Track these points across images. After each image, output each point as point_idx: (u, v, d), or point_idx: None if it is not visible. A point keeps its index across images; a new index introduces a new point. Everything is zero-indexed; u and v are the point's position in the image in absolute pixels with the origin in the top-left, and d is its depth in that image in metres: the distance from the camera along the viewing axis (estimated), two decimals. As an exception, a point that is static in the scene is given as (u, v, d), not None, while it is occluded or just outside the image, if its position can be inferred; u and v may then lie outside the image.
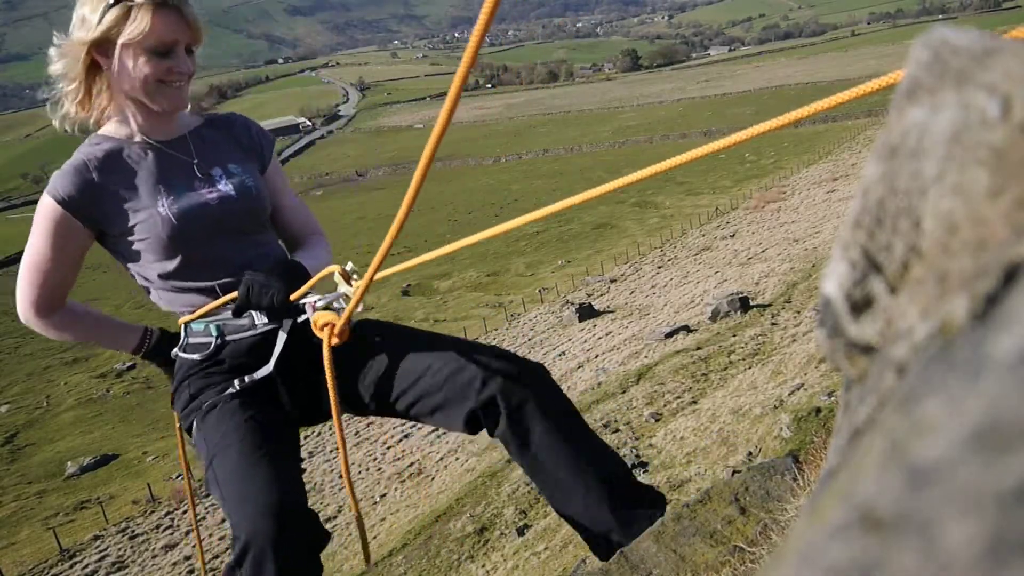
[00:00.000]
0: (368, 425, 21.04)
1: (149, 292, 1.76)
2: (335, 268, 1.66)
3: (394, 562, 8.72)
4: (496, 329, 29.92)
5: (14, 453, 27.99)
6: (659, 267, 32.95)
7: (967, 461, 0.20)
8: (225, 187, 1.71)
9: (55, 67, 1.62)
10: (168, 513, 19.45)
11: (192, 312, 1.71)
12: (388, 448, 18.40)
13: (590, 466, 1.62)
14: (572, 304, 27.92)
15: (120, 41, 1.56)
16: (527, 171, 72.91)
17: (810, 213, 33.56)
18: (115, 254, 1.72)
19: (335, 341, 1.61)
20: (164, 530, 18.40)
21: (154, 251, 1.65)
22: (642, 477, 7.71)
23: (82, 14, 1.58)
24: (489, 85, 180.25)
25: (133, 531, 18.98)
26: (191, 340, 1.73)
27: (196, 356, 1.70)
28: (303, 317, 1.70)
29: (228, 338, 1.70)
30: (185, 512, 19.14)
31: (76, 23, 1.60)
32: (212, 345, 1.69)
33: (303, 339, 1.70)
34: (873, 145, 0.37)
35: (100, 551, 18.25)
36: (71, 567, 17.79)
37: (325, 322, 1.62)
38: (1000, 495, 0.19)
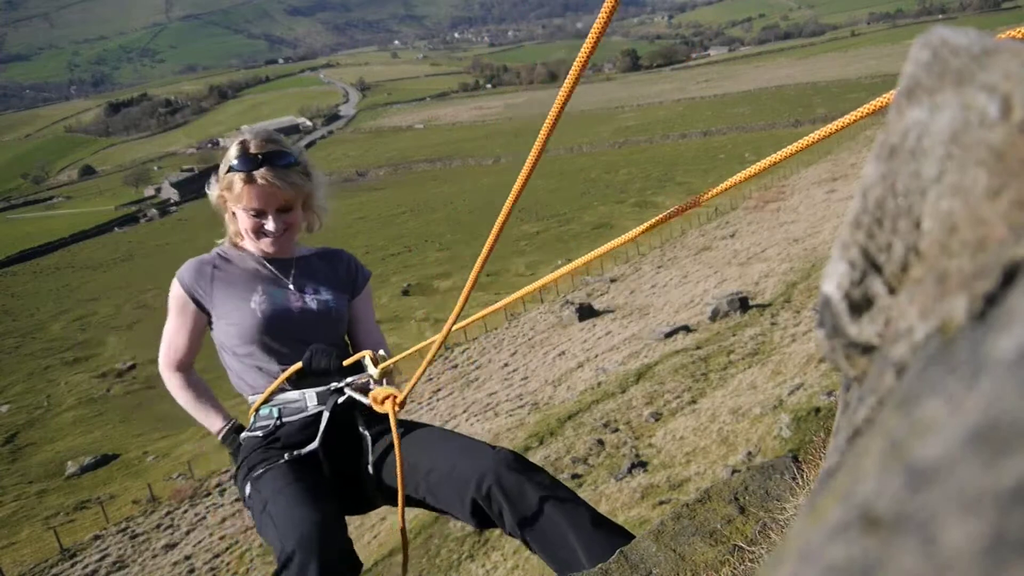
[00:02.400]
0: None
1: (228, 373, 2.11)
2: (367, 353, 1.98)
3: (394, 562, 8.71)
4: (496, 329, 29.92)
5: (15, 453, 27.98)
6: (659, 267, 32.94)
7: (967, 461, 0.20)
8: (311, 302, 2.09)
9: (214, 204, 2.09)
10: (168, 513, 19.45)
11: (260, 391, 2.05)
12: (388, 448, 18.40)
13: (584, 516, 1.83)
14: (572, 304, 27.91)
15: (231, 204, 2.03)
16: (527, 171, 72.81)
17: (810, 213, 33.55)
18: (216, 337, 2.10)
19: (397, 409, 1.91)
20: (164, 530, 18.40)
21: (240, 336, 2.01)
22: (642, 477, 7.71)
23: (221, 164, 2.04)
24: (489, 85, 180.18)
25: (133, 531, 18.97)
26: (257, 423, 2.06)
27: (259, 434, 2.02)
28: (342, 399, 2.01)
29: (285, 419, 2.02)
30: (185, 512, 19.16)
31: (220, 171, 2.05)
32: (272, 425, 2.02)
33: (345, 429, 2.03)
34: (873, 145, 0.37)
35: (100, 551, 18.24)
36: (71, 567, 17.79)
37: (386, 396, 1.91)
38: (1000, 495, 0.19)
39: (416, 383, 1.90)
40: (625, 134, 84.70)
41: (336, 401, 2.01)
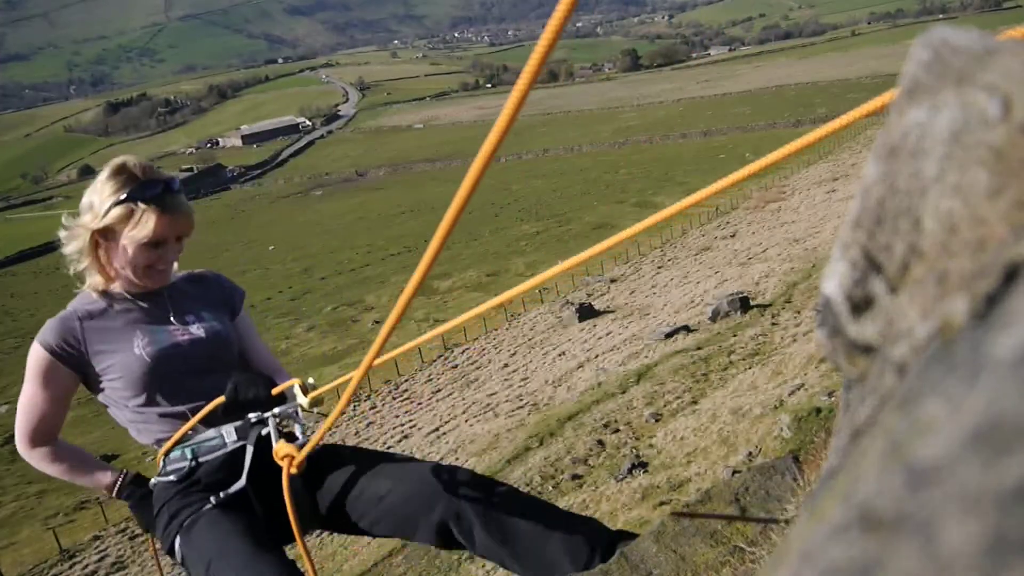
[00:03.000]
0: (368, 425, 21.08)
1: (129, 430, 1.93)
2: (296, 381, 1.78)
3: (394, 562, 8.72)
4: (496, 329, 29.93)
5: (14, 453, 27.92)
6: (659, 267, 32.95)
7: (967, 461, 0.20)
8: (196, 330, 1.91)
9: (67, 249, 1.84)
10: (168, 513, 19.47)
11: (168, 437, 1.85)
12: (388, 448, 18.40)
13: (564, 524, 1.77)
14: (572, 304, 27.92)
15: (121, 239, 1.78)
16: (527, 171, 72.88)
17: (810, 213, 33.56)
18: (97, 394, 1.91)
19: (293, 471, 1.72)
20: (164, 530, 18.41)
21: (130, 387, 1.83)
22: (642, 477, 7.71)
23: (91, 200, 1.81)
24: (489, 85, 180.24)
25: (133, 531, 18.96)
26: (167, 467, 1.87)
27: (172, 478, 1.84)
28: (266, 430, 1.82)
29: (202, 459, 1.84)
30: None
31: (85, 206, 1.82)
32: (187, 467, 1.83)
33: (269, 455, 1.81)
34: (873, 145, 0.37)
35: (100, 551, 18.25)
36: (71, 567, 17.79)
37: (285, 453, 1.73)
38: (1000, 495, 0.19)
39: (322, 437, 1.70)
40: (625, 134, 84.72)
41: (259, 433, 1.83)
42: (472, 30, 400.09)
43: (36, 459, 1.93)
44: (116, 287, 1.89)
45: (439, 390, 23.39)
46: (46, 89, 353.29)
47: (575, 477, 9.07)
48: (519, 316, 31.05)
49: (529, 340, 26.25)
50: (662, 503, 6.29)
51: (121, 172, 1.79)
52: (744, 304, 16.80)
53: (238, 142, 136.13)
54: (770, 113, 79.12)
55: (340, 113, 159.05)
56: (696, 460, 7.28)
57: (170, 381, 1.85)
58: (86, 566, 17.54)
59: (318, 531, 1.85)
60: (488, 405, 19.03)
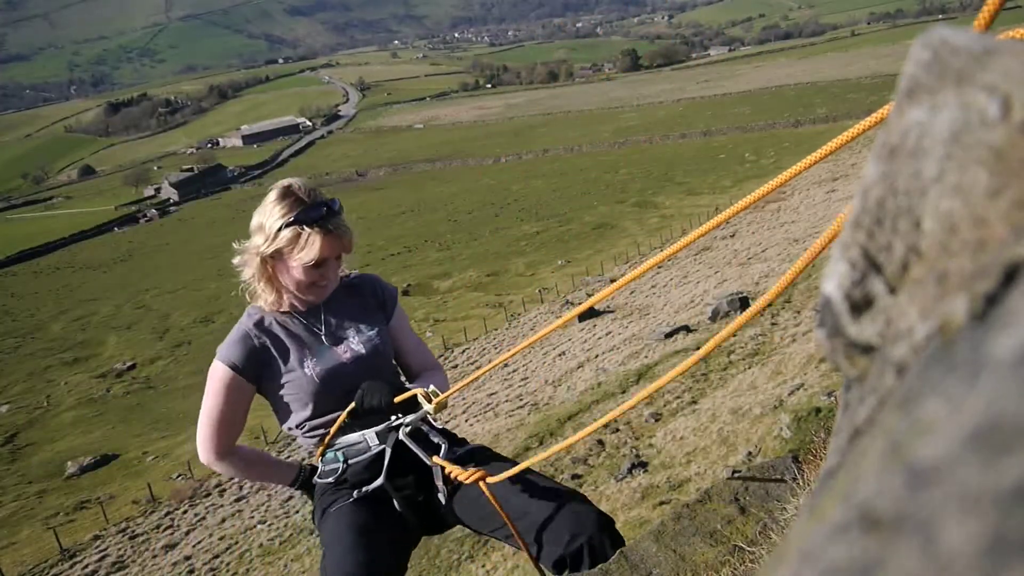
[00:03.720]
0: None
1: (295, 438, 2.12)
2: (419, 391, 1.97)
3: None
4: (496, 329, 29.92)
5: (14, 453, 27.98)
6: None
7: (967, 461, 0.20)
8: (357, 347, 2.06)
9: (244, 274, 2.01)
10: (168, 513, 19.45)
11: (321, 441, 2.06)
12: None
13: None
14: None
15: (288, 260, 1.93)
16: (527, 171, 72.85)
17: (810, 213, 33.54)
18: (271, 404, 2.08)
19: (490, 479, 1.90)
20: (164, 530, 18.40)
21: (299, 403, 2.02)
22: (642, 477, 7.71)
23: (261, 222, 1.95)
24: (489, 85, 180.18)
25: (133, 531, 18.97)
26: (325, 468, 2.07)
27: (330, 480, 2.05)
28: (401, 436, 2.02)
29: (351, 461, 2.04)
30: (185, 512, 19.16)
31: (255, 227, 1.96)
32: (340, 468, 2.04)
33: (409, 458, 2.03)
34: (873, 145, 0.37)
35: (100, 551, 18.24)
36: (71, 567, 17.78)
37: (476, 477, 1.90)
38: (1000, 495, 0.19)
39: (459, 390, 1.95)
40: (625, 134, 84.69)
41: (396, 437, 2.02)
42: (472, 30, 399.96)
43: (224, 468, 2.09)
44: (285, 304, 2.04)
45: (439, 390, 23.38)
46: (46, 89, 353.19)
47: (575, 477, 9.06)
48: (519, 316, 31.05)
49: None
50: (662, 503, 6.29)
51: (288, 195, 1.92)
52: (744, 304, 16.79)
53: (238, 142, 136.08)
54: (770, 113, 79.08)
55: (340, 113, 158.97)
56: (696, 460, 7.28)
57: (335, 396, 2.01)
58: (86, 566, 17.53)
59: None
60: (488, 405, 19.03)
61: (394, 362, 2.22)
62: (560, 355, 22.25)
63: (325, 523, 1.97)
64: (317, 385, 1.98)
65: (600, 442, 10.08)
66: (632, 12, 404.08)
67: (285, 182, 1.97)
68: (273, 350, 2.00)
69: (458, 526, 2.14)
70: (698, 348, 12.65)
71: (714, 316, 16.92)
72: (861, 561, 0.21)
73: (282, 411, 2.06)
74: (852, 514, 0.22)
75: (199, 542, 16.85)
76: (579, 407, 12.61)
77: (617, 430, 10.35)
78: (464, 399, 21.01)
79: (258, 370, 1.99)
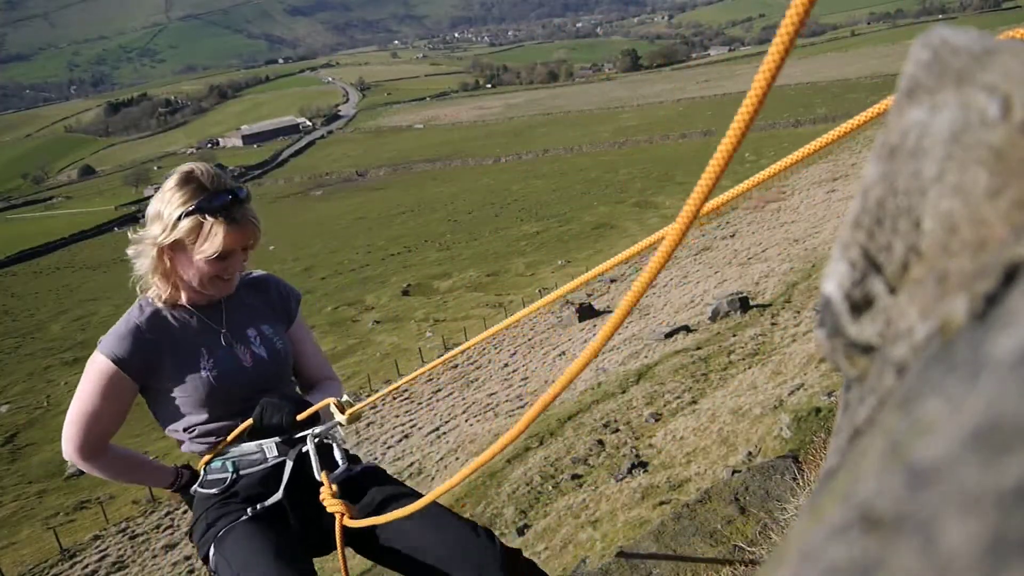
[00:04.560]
0: (368, 425, 21.07)
1: (176, 438, 1.94)
2: (331, 400, 1.82)
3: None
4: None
5: (14, 453, 27.98)
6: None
7: (967, 461, 0.20)
8: (259, 350, 1.91)
9: (137, 265, 1.86)
10: (168, 513, 19.45)
11: (211, 449, 1.89)
12: (388, 448, 18.41)
13: None
14: (572, 304, 27.91)
15: (188, 252, 1.76)
16: (527, 171, 72.86)
17: (810, 213, 33.55)
18: (152, 403, 1.90)
19: (347, 523, 1.75)
20: (164, 530, 18.40)
21: (192, 407, 1.84)
22: (642, 477, 7.71)
23: (158, 210, 1.78)
24: (489, 85, 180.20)
25: (133, 531, 18.97)
26: (208, 477, 1.91)
27: (213, 491, 1.87)
28: (306, 448, 1.87)
29: (242, 472, 1.87)
30: (185, 512, 19.15)
31: (152, 215, 1.79)
32: (228, 479, 1.86)
33: (308, 472, 1.87)
34: (873, 145, 0.37)
35: (100, 551, 18.25)
36: (71, 567, 17.79)
37: (338, 511, 1.77)
38: (1000, 495, 0.19)
39: (373, 401, 1.83)
40: (625, 134, 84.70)
41: (300, 450, 1.87)
42: (472, 30, 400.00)
43: (91, 468, 1.90)
44: (182, 298, 1.88)
45: (439, 390, 23.40)
46: (46, 89, 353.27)
47: (575, 477, 9.06)
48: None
49: (529, 340, 26.26)
50: (662, 503, 6.29)
51: (188, 181, 1.77)
52: (744, 304, 16.79)
53: (238, 142, 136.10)
54: (770, 113, 79.05)
55: (340, 113, 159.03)
56: (696, 460, 7.28)
57: (230, 402, 1.86)
58: (86, 566, 17.54)
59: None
60: (488, 405, 19.04)
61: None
62: (560, 355, 22.25)
63: (223, 547, 1.76)
64: (213, 388, 1.82)
65: (600, 442, 10.08)
66: (632, 12, 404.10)
67: (187, 167, 1.82)
68: (165, 347, 1.82)
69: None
70: (698, 348, 12.66)
71: (714, 316, 16.92)
72: (861, 561, 0.21)
73: (168, 413, 1.88)
74: (852, 514, 0.22)
75: (199, 542, 16.85)
76: (579, 407, 12.61)
77: (617, 430, 10.35)
78: (464, 399, 21.02)
79: (145, 368, 1.81)
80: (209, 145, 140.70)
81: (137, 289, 1.92)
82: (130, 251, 1.86)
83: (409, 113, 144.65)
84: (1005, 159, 0.29)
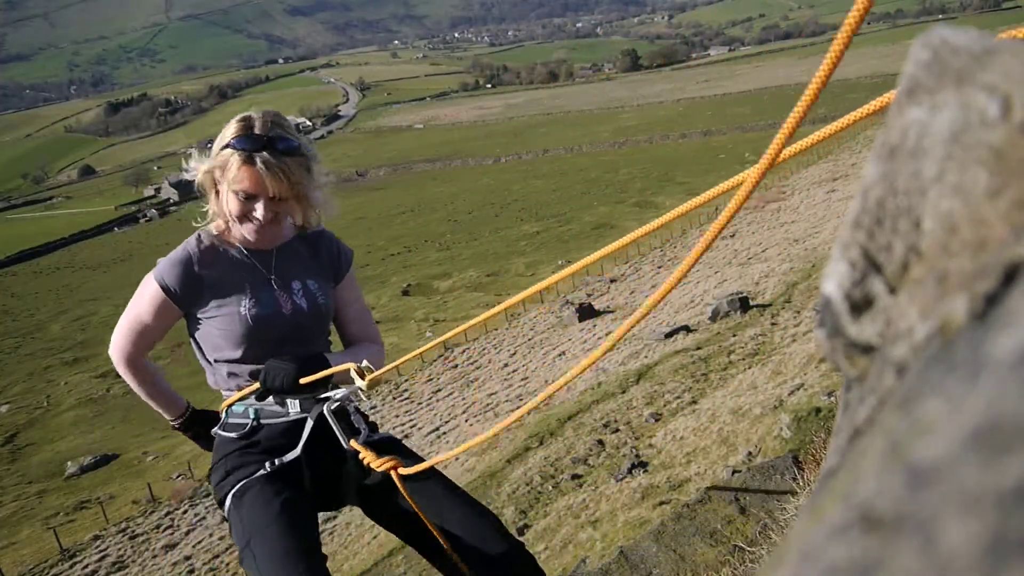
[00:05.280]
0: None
1: (206, 370, 2.03)
2: (351, 365, 1.84)
3: (394, 562, 8.72)
4: (496, 329, 29.91)
5: (14, 453, 27.98)
6: (659, 267, 32.96)
7: (967, 461, 0.20)
8: (300, 300, 1.99)
9: (197, 180, 1.94)
10: (168, 513, 19.45)
11: (234, 390, 1.98)
12: (388, 448, 18.39)
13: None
14: (572, 304, 27.91)
15: (220, 183, 1.88)
16: (527, 171, 72.86)
17: (810, 213, 33.55)
18: (192, 329, 2.00)
19: (403, 470, 1.84)
20: (164, 530, 18.40)
21: (227, 341, 1.93)
22: (642, 477, 7.71)
23: (217, 140, 1.90)
24: (489, 85, 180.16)
25: (133, 531, 18.97)
26: (230, 420, 1.99)
27: (233, 435, 1.95)
28: (326, 412, 1.93)
29: (264, 421, 1.95)
30: (185, 512, 19.16)
31: (213, 148, 1.90)
32: (248, 426, 1.94)
33: (326, 432, 1.94)
34: (873, 145, 0.37)
35: (100, 551, 18.24)
36: (71, 567, 17.79)
37: (390, 465, 1.84)
38: (1000, 495, 0.19)
39: (396, 367, 1.86)
40: (625, 134, 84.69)
41: (320, 411, 1.93)
42: (472, 30, 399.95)
43: (126, 374, 2.06)
44: (234, 235, 1.97)
45: (439, 390, 23.40)
46: (46, 89, 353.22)
47: (575, 477, 9.06)
48: (519, 316, 31.04)
49: (529, 340, 26.25)
50: (662, 503, 6.28)
51: (240, 122, 1.87)
52: (744, 304, 16.78)
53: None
54: (770, 113, 79.05)
55: (340, 113, 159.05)
56: (696, 460, 7.28)
57: (265, 344, 1.93)
58: (86, 566, 17.53)
59: (333, 516, 2.05)
60: (488, 405, 19.03)
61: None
62: (560, 355, 22.25)
63: (240, 504, 1.84)
64: (250, 327, 1.90)
65: (600, 442, 10.08)
66: (632, 12, 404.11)
67: (253, 111, 1.91)
68: (212, 280, 1.93)
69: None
70: (698, 348, 12.61)
71: (714, 316, 16.92)
72: (861, 561, 0.20)
73: (206, 342, 1.97)
74: (852, 514, 0.22)
75: (199, 542, 16.84)
76: (579, 407, 12.61)
77: (617, 430, 10.35)
78: (464, 399, 21.01)
79: (190, 298, 1.93)
80: (209, 145, 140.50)
81: (198, 219, 2.03)
82: (189, 166, 1.95)
83: (409, 113, 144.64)
84: (1005, 159, 0.29)
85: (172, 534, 17.98)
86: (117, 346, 2.02)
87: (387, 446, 1.98)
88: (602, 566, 1.68)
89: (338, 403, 1.92)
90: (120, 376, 2.10)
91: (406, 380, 26.35)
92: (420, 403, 22.50)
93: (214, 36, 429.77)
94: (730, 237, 34.13)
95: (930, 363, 0.27)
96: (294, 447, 1.91)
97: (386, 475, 1.87)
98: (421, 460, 1.98)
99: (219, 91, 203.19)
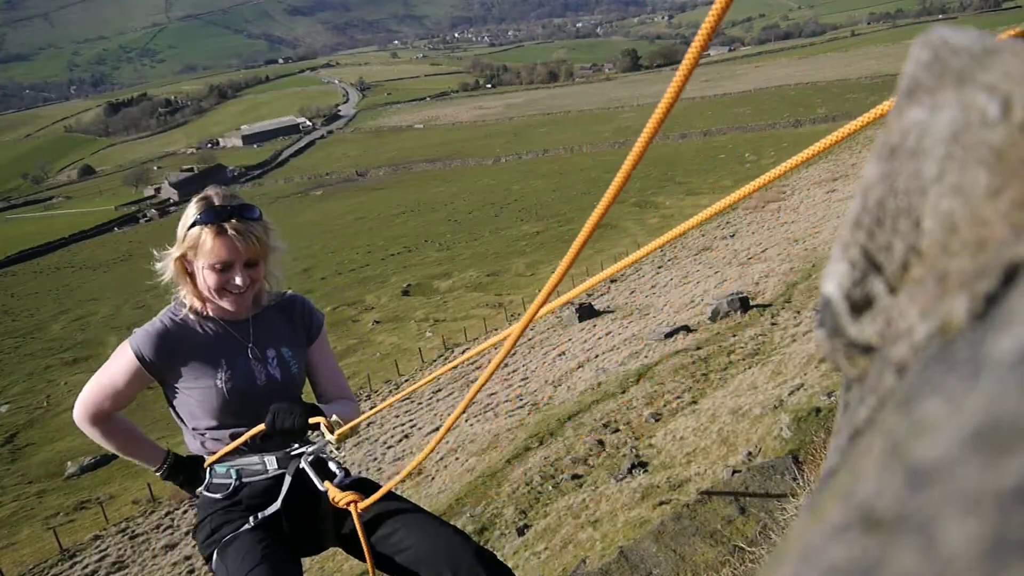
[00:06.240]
0: (368, 425, 21.07)
1: (184, 432, 2.12)
2: (321, 419, 1.95)
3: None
4: (496, 329, 29.91)
5: (14, 453, 27.98)
6: (659, 267, 32.96)
7: (967, 461, 0.20)
8: (274, 371, 2.07)
9: (165, 277, 2.03)
10: (168, 513, 19.45)
11: (214, 453, 2.07)
12: (388, 448, 18.41)
13: None
14: (572, 304, 27.92)
15: (195, 262, 1.96)
16: (527, 171, 72.86)
17: (810, 213, 33.55)
18: (171, 397, 2.08)
19: (361, 508, 1.96)
20: (164, 530, 18.40)
21: (204, 411, 2.02)
22: (642, 477, 7.71)
23: (179, 227, 1.99)
24: (489, 85, 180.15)
25: (133, 531, 18.97)
26: (214, 480, 2.09)
27: (218, 495, 2.06)
28: (303, 464, 2.06)
29: (245, 480, 2.06)
30: (185, 512, 19.16)
31: (178, 235, 1.99)
32: (231, 486, 2.05)
33: (303, 484, 2.06)
34: (873, 145, 0.37)
35: (100, 551, 18.24)
36: (71, 567, 17.78)
37: (348, 500, 1.97)
38: (1000, 495, 0.19)
39: (367, 418, 2.01)
40: (625, 134, 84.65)
41: (297, 466, 2.05)
42: (472, 30, 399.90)
43: (92, 432, 2.10)
44: (209, 309, 2.05)
45: (439, 390, 23.39)
46: (46, 89, 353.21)
47: (575, 477, 9.06)
48: (519, 316, 31.02)
49: (529, 340, 26.24)
50: (662, 503, 6.28)
51: (201, 200, 1.97)
52: (744, 304, 16.79)
53: (238, 142, 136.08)
54: (770, 113, 79.07)
55: (340, 113, 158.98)
56: (696, 460, 7.28)
57: (240, 414, 2.03)
58: (86, 566, 17.53)
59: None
60: (488, 405, 19.03)
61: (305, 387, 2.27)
62: (560, 355, 22.26)
63: (225, 555, 1.96)
64: (226, 400, 1.99)
65: (600, 442, 10.09)
66: (632, 12, 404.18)
67: (208, 190, 2.01)
68: (187, 352, 2.00)
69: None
70: (698, 348, 12.61)
71: (714, 316, 16.92)
72: (861, 561, 0.20)
73: (184, 411, 2.06)
74: (852, 514, 0.22)
75: (199, 542, 16.83)
76: (579, 407, 12.62)
77: (617, 430, 10.35)
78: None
79: (165, 369, 2.00)
80: (209, 145, 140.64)
81: (174, 294, 2.10)
82: (157, 266, 2.03)
83: (409, 113, 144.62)
84: (1005, 159, 0.29)
85: (172, 534, 17.97)
86: (83, 406, 2.05)
87: (356, 485, 2.09)
88: (602, 566, 1.68)
89: (312, 455, 2.04)
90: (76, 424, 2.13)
91: (406, 380, 26.35)
92: (420, 403, 22.50)
93: (214, 36, 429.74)
94: (730, 237, 34.15)
95: (930, 363, 0.27)
96: (273, 502, 2.03)
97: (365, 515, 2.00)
98: (388, 494, 2.10)
99: (219, 91, 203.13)
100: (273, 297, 2.16)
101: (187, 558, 16.11)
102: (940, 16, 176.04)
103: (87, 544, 18.91)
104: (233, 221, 1.91)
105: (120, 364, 2.01)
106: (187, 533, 17.72)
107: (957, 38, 0.35)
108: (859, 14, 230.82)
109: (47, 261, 69.85)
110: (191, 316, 2.04)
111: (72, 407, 2.13)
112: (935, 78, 0.34)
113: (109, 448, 2.15)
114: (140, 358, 1.98)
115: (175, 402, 2.06)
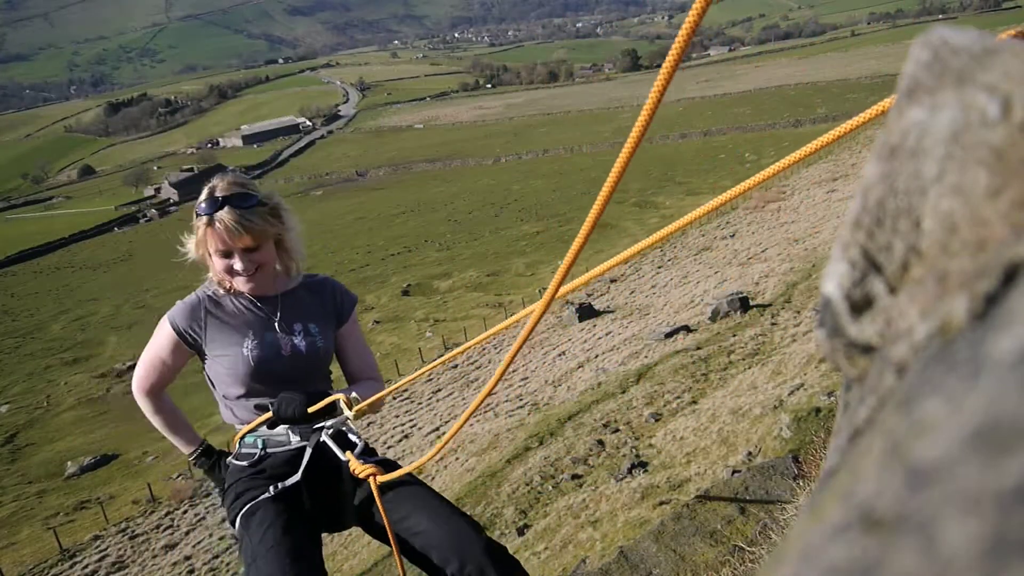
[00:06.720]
0: (368, 425, 21.07)
1: (220, 404, 2.26)
2: (340, 396, 2.06)
3: (392, 563, 8.72)
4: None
5: (14, 453, 27.97)
6: (659, 267, 32.94)
7: (967, 461, 0.20)
8: (299, 343, 2.18)
9: (191, 258, 2.16)
10: (168, 513, 19.44)
11: (244, 423, 2.21)
12: (388, 448, 18.40)
13: None
14: (572, 304, 27.90)
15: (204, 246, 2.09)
16: (527, 171, 72.85)
17: (810, 213, 33.54)
18: (206, 368, 2.21)
19: (382, 479, 2.04)
20: (164, 530, 18.39)
21: (232, 379, 2.15)
22: (642, 477, 7.71)
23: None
24: (489, 85, 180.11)
25: (133, 531, 18.97)
26: (242, 450, 2.22)
27: (244, 463, 2.19)
28: (324, 437, 2.16)
29: (270, 450, 2.18)
30: (185, 512, 19.16)
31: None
32: (257, 455, 2.18)
33: (325, 459, 2.17)
34: (873, 145, 0.37)
35: (100, 551, 18.24)
36: (71, 567, 17.78)
37: (369, 472, 2.05)
38: (1000, 495, 0.19)
39: (383, 397, 2.08)
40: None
41: (318, 439, 2.15)
42: (472, 30, 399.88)
43: (144, 404, 2.27)
44: (234, 286, 2.18)
45: (439, 390, 23.39)
46: (46, 89, 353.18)
47: (575, 477, 9.06)
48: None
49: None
50: (662, 503, 6.28)
51: (208, 188, 2.09)
52: (744, 304, 16.79)
53: (238, 142, 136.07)
54: (770, 113, 79.05)
55: (340, 113, 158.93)
56: (696, 460, 7.28)
57: (265, 383, 2.14)
58: (86, 566, 17.53)
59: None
60: (488, 405, 19.02)
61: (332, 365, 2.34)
62: (560, 355, 22.25)
63: (248, 523, 2.04)
64: (251, 368, 2.10)
65: (600, 442, 10.08)
66: (632, 12, 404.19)
67: (215, 178, 2.11)
68: (217, 322, 2.14)
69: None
70: (698, 348, 12.60)
71: (714, 316, 16.92)
72: (861, 561, 0.20)
73: (216, 380, 2.19)
74: (852, 514, 0.22)
75: (199, 542, 16.85)
76: (579, 407, 12.61)
77: (617, 430, 10.35)
78: (464, 399, 21.02)
79: (197, 339, 2.14)
80: (209, 145, 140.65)
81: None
82: (184, 249, 2.17)
83: (409, 113, 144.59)
84: (1005, 159, 0.29)
85: (172, 534, 17.97)
86: (138, 379, 2.25)
87: (379, 463, 2.15)
88: (602, 566, 1.68)
89: (331, 430, 2.13)
90: (134, 397, 2.29)
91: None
92: (420, 403, 22.50)
93: (214, 36, 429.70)
94: (730, 237, 34.14)
95: (930, 363, 0.27)
96: (295, 473, 2.12)
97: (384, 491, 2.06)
98: (411, 479, 2.17)
99: (219, 91, 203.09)
100: (305, 277, 2.28)
101: (187, 558, 16.11)
102: (940, 16, 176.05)
103: (87, 544, 18.90)
104: (223, 212, 2.00)
105: (159, 337, 2.17)
106: (187, 533, 17.73)
107: (957, 38, 0.35)
108: (859, 14, 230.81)
109: (47, 261, 69.84)
110: (221, 291, 2.18)
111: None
112: (935, 78, 0.34)
113: (155, 424, 2.30)
114: (175, 328, 2.13)
115: (210, 372, 2.19)
